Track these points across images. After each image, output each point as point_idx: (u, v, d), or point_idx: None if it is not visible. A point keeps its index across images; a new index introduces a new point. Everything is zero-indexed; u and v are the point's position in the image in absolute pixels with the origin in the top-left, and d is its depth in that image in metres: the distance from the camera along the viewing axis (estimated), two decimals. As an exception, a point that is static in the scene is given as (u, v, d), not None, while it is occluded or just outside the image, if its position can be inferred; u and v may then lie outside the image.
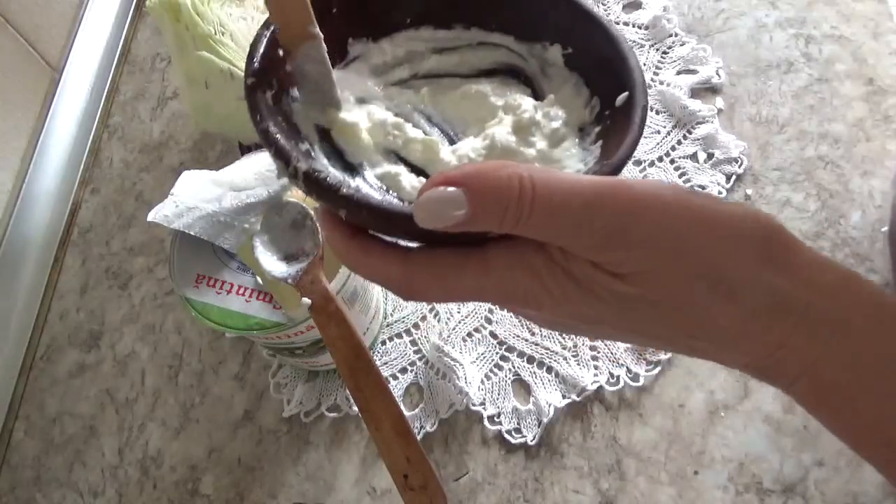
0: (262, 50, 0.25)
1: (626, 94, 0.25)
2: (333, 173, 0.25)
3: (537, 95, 0.30)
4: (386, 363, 0.49)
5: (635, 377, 0.46)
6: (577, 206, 0.20)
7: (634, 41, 0.60)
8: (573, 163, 0.27)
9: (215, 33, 0.48)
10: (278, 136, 0.23)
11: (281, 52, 0.26)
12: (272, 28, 0.26)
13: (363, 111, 0.29)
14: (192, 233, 0.39)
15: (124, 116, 0.66)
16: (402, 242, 0.24)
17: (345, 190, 0.21)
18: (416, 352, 0.49)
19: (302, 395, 0.48)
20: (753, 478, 0.42)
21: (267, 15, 0.27)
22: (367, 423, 0.33)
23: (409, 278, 0.23)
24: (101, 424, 0.51)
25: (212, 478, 0.48)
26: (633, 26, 0.61)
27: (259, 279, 0.39)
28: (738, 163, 0.53)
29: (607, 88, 0.27)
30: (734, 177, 0.52)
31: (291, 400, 0.48)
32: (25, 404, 0.53)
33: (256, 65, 0.25)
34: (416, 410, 0.47)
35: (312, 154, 0.26)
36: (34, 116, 0.61)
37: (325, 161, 0.27)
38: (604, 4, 0.63)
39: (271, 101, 0.25)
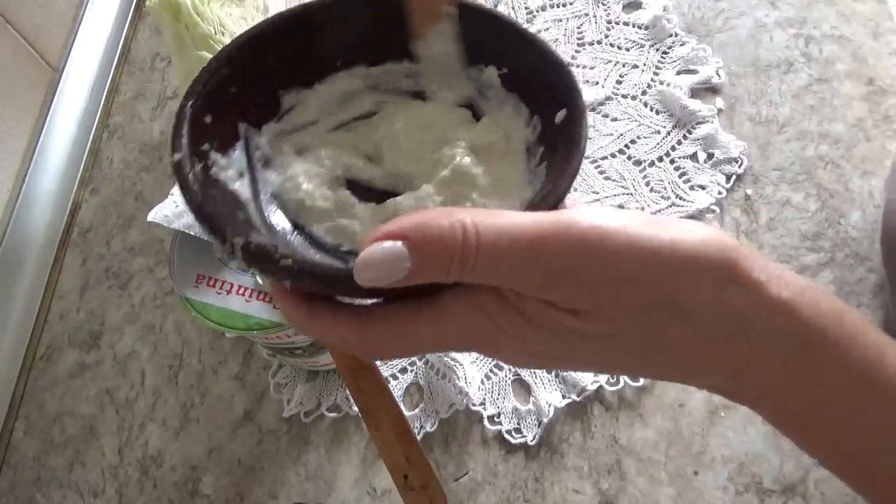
0: (187, 122, 0.24)
1: (563, 111, 0.25)
2: (274, 242, 0.24)
3: (478, 118, 0.30)
4: (386, 363, 0.49)
5: (635, 377, 0.46)
6: (523, 250, 0.20)
7: (634, 41, 0.60)
8: (521, 189, 0.26)
9: (215, 33, 0.48)
10: (212, 213, 0.22)
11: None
12: (195, 97, 0.25)
13: (304, 165, 0.28)
14: (192, 233, 0.39)
15: (124, 116, 0.66)
16: (356, 300, 0.23)
17: (283, 262, 0.21)
18: (416, 352, 0.49)
19: (302, 395, 0.48)
20: (753, 478, 0.42)
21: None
22: (367, 424, 0.33)
23: (364, 338, 0.22)
24: (101, 424, 0.51)
25: (212, 478, 0.48)
26: (633, 26, 0.61)
27: (259, 279, 0.39)
28: (738, 163, 0.53)
29: (547, 106, 0.26)
30: (734, 177, 0.52)
31: (291, 400, 0.48)
32: (25, 404, 0.53)
33: (184, 138, 0.24)
34: (416, 410, 0.47)
35: (255, 221, 0.25)
36: (34, 116, 0.61)
37: (273, 222, 0.26)
38: (604, 4, 0.63)
39: (202, 173, 0.24)
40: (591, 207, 0.27)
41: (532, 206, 0.23)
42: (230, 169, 0.26)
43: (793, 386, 0.22)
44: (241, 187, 0.26)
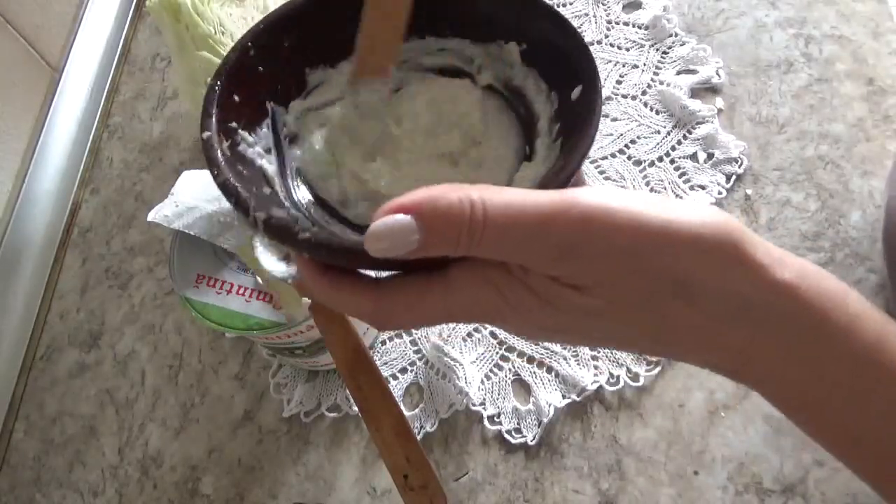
0: (216, 101, 0.26)
1: (580, 87, 0.26)
2: (297, 215, 0.25)
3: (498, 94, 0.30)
4: (386, 363, 0.49)
5: (635, 377, 0.46)
6: (529, 227, 0.20)
7: (634, 41, 0.60)
8: (539, 161, 0.27)
9: (215, 33, 0.48)
10: (238, 187, 0.24)
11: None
12: (223, 76, 0.26)
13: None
14: (192, 233, 0.39)
15: (124, 116, 0.66)
16: (372, 273, 0.24)
17: (301, 236, 0.22)
18: (416, 352, 0.49)
19: (302, 395, 0.48)
20: (753, 478, 0.42)
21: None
22: (367, 424, 0.33)
23: (379, 308, 0.23)
24: (101, 424, 0.51)
25: (212, 478, 0.48)
26: (633, 26, 0.61)
27: (259, 279, 0.39)
28: (738, 163, 0.53)
29: (564, 82, 0.27)
30: (734, 177, 0.52)
31: (291, 400, 0.48)
32: (25, 404, 0.53)
33: (213, 117, 0.25)
34: (416, 410, 0.47)
35: (281, 196, 0.26)
36: (34, 116, 0.61)
37: (297, 196, 0.27)
38: (604, 4, 0.63)
39: (229, 150, 0.25)
40: (596, 187, 0.28)
41: (544, 180, 0.24)
42: (258, 146, 0.27)
43: (796, 369, 0.23)
44: (268, 163, 0.27)
